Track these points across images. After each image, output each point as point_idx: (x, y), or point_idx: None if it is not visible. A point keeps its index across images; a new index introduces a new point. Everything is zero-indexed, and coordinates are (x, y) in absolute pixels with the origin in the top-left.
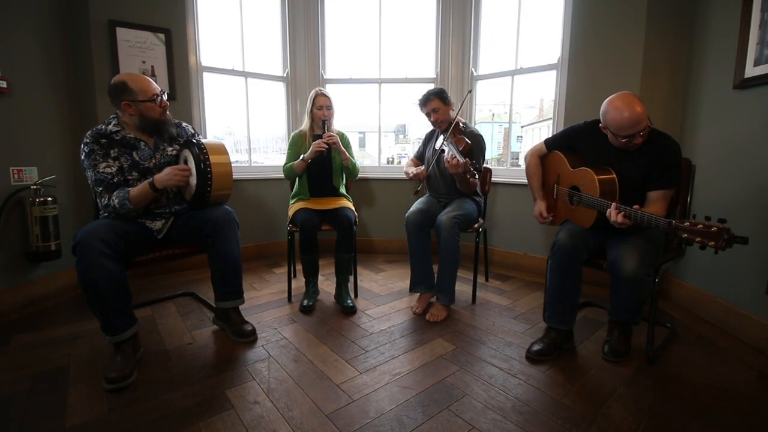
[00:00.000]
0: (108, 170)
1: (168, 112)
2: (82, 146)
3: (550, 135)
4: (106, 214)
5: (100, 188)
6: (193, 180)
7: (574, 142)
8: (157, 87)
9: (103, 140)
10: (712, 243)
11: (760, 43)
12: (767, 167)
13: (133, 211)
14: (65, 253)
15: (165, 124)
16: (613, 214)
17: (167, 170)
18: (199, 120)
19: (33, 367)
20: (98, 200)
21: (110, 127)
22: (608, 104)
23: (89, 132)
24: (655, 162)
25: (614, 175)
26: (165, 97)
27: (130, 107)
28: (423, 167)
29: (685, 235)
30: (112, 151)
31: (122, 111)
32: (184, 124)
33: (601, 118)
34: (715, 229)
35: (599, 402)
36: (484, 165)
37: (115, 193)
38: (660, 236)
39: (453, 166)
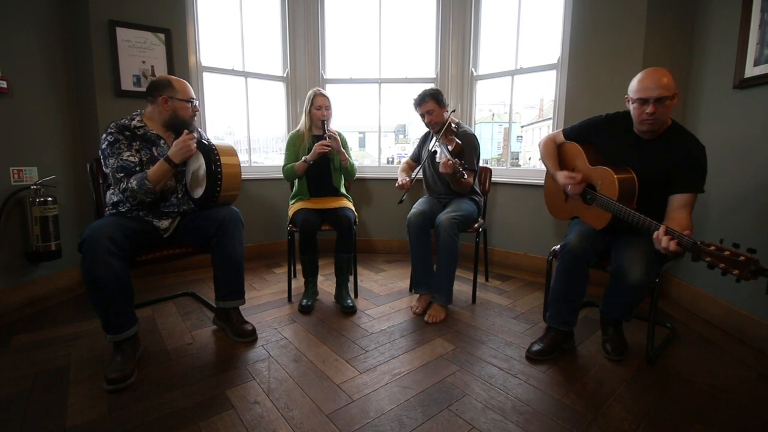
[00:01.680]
0: (132, 159)
1: (195, 118)
2: (105, 136)
3: (586, 119)
4: (113, 210)
5: (122, 174)
6: (201, 165)
7: (594, 135)
8: (193, 94)
9: (127, 132)
10: (737, 272)
11: (760, 43)
12: (767, 167)
13: (152, 192)
14: (65, 253)
15: (189, 127)
16: (664, 240)
17: (174, 144)
18: (199, 120)
19: (33, 367)
20: (115, 187)
21: (134, 122)
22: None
23: (112, 123)
24: (679, 162)
25: (633, 175)
26: (197, 104)
27: (167, 102)
28: (407, 179)
29: (709, 259)
30: (134, 144)
31: (157, 104)
32: (199, 129)
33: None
34: (743, 258)
35: (599, 402)
36: (481, 164)
37: (133, 177)
38: None
39: (443, 167)
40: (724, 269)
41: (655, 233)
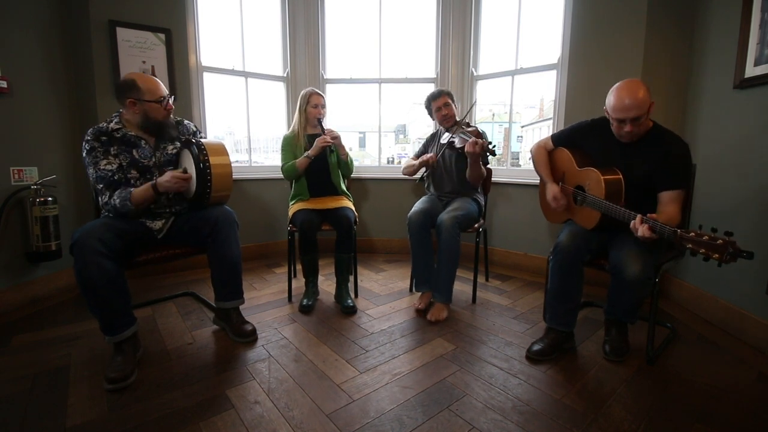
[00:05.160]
0: (108, 167)
1: (171, 115)
2: (84, 144)
3: (572, 124)
4: (105, 213)
5: (101, 185)
6: (193, 183)
7: (580, 140)
8: (165, 90)
9: (104, 138)
10: (717, 256)
11: (760, 42)
12: (767, 167)
13: (133, 211)
14: (65, 253)
15: (166, 127)
16: (640, 228)
17: (168, 175)
18: (199, 120)
19: (33, 367)
20: (99, 198)
21: (111, 125)
22: (615, 85)
23: (90, 130)
24: (662, 161)
25: (620, 176)
26: (171, 101)
27: (135, 105)
28: (431, 154)
29: (690, 245)
30: (112, 149)
31: (126, 108)
32: (186, 121)
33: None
34: (721, 241)
35: (599, 402)
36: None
37: (117, 192)
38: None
39: (471, 146)
40: (705, 254)
41: (632, 222)
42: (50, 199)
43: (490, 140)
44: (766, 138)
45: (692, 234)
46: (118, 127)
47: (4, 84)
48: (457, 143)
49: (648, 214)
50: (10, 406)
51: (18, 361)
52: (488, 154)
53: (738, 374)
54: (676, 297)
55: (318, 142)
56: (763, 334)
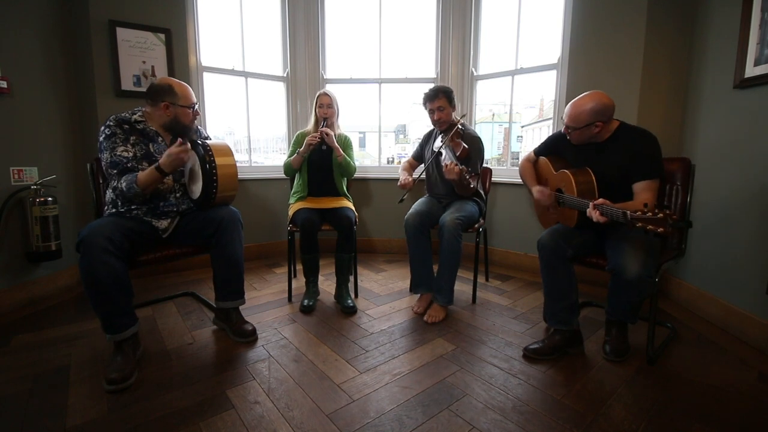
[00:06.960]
0: (125, 154)
1: (195, 121)
2: (103, 128)
3: (550, 135)
4: (112, 210)
5: (114, 171)
6: (197, 166)
7: (558, 147)
8: (195, 98)
9: (126, 126)
10: (661, 229)
11: (760, 42)
12: (767, 167)
13: (140, 194)
14: (65, 253)
15: (190, 131)
16: (593, 215)
17: (167, 153)
18: (199, 120)
19: (33, 367)
20: (110, 181)
21: (135, 116)
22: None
23: (112, 116)
24: (631, 155)
25: (592, 176)
26: (198, 108)
27: (169, 108)
28: (410, 178)
29: (639, 223)
30: (131, 138)
31: (157, 108)
32: (199, 128)
33: None
34: (661, 215)
35: (599, 402)
36: (483, 165)
37: (124, 177)
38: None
39: (449, 172)
40: (652, 230)
41: (587, 210)
42: (50, 199)
43: (483, 148)
44: (766, 138)
45: (638, 213)
46: (141, 119)
47: (4, 84)
48: (443, 159)
49: (598, 200)
50: (10, 406)
51: (18, 361)
52: (468, 178)
53: (738, 374)
54: (676, 297)
55: (306, 140)
56: (763, 334)
